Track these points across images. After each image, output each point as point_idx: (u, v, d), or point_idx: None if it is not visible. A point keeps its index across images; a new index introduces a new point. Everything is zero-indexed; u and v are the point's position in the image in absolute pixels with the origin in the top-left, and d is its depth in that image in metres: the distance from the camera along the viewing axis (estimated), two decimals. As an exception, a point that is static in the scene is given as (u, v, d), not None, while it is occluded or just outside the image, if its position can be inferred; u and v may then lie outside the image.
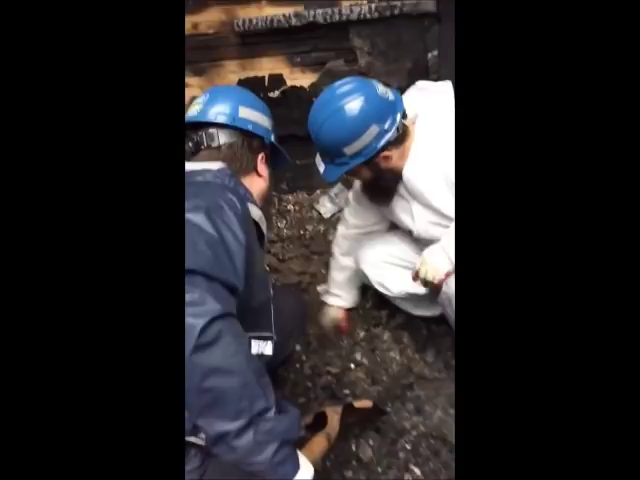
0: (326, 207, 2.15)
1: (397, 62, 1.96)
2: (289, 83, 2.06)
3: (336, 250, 1.65)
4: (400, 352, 1.57)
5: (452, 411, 1.34)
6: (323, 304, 1.69)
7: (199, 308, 0.72)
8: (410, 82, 1.93)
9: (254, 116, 1.11)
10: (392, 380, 1.48)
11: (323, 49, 2.00)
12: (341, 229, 1.63)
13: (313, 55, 2.02)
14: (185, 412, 0.74)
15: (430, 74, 1.95)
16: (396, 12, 1.86)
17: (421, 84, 1.37)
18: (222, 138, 1.07)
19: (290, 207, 2.23)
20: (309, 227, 2.11)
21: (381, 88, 1.23)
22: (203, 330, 0.71)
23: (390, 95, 1.24)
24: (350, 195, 1.57)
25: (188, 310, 0.71)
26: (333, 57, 2.01)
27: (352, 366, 1.55)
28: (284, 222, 2.17)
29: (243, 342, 0.80)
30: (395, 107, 1.23)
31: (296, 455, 0.82)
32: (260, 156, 1.12)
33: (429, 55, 1.93)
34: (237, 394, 0.73)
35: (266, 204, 1.16)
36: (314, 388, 1.49)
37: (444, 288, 1.26)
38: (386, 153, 1.25)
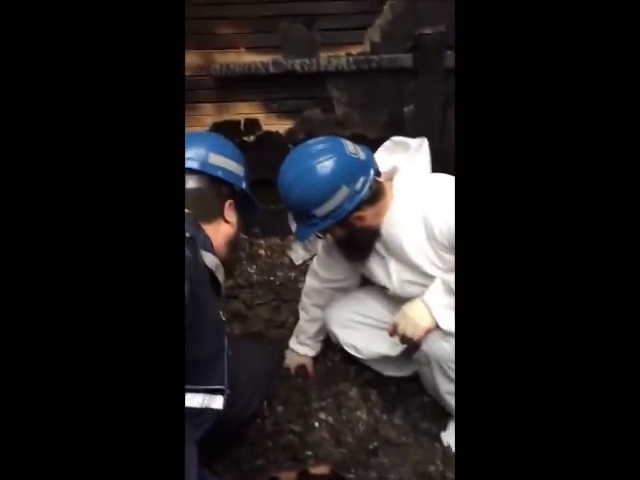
0: (298, 254, 2.10)
1: (373, 114, 1.99)
2: (265, 128, 2.06)
3: (306, 301, 1.59)
4: (367, 411, 1.48)
5: (414, 480, 1.25)
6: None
7: None
8: (386, 134, 1.98)
9: (225, 163, 1.10)
10: (357, 442, 1.38)
11: (300, 97, 2.02)
12: (310, 281, 1.58)
13: (290, 102, 2.03)
14: None
15: (406, 127, 1.98)
16: (374, 66, 1.90)
17: (397, 139, 1.36)
18: (190, 183, 1.06)
19: (261, 252, 2.18)
20: (280, 273, 2.05)
21: (351, 147, 1.20)
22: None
23: (361, 154, 1.21)
24: (320, 246, 1.54)
25: None
26: (310, 105, 2.02)
27: (316, 425, 1.46)
28: (254, 267, 2.10)
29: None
30: (367, 166, 1.20)
31: None
32: (228, 202, 1.09)
33: (405, 109, 1.97)
34: None
35: (233, 250, 1.13)
36: (274, 448, 1.39)
37: (423, 346, 1.20)
38: (359, 213, 1.21)
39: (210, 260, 1.01)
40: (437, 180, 1.24)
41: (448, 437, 1.34)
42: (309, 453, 1.37)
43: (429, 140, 1.30)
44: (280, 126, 2.07)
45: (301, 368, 1.59)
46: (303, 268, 2.06)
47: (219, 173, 1.07)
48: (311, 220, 1.21)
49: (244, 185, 1.13)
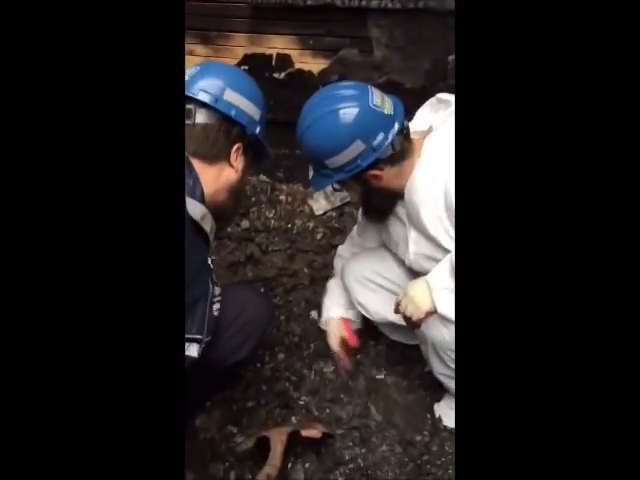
0: (319, 203, 2.03)
1: (415, 60, 1.83)
2: (297, 66, 1.94)
3: (336, 270, 1.51)
4: (365, 369, 1.46)
5: (399, 449, 1.23)
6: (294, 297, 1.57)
7: None
8: (426, 84, 1.84)
9: (240, 102, 1.01)
10: (349, 399, 1.37)
11: (338, 35, 1.87)
12: (345, 245, 1.50)
13: (326, 40, 1.88)
14: None
15: (449, 78, 1.82)
16: (420, 5, 1.72)
17: (442, 96, 1.21)
18: (199, 117, 0.98)
19: (282, 197, 2.12)
20: (298, 222, 2.00)
21: (377, 98, 1.08)
22: None
23: (387, 107, 1.09)
24: (360, 211, 1.43)
25: None
26: (347, 45, 1.88)
27: (312, 376, 1.45)
28: (273, 212, 2.05)
29: None
30: (390, 122, 1.08)
31: None
32: (236, 146, 1.02)
33: (450, 58, 1.81)
34: None
35: (233, 198, 1.07)
36: (268, 393, 1.39)
37: (422, 327, 1.14)
38: (375, 172, 1.11)
39: (195, 209, 0.94)
40: None
41: (441, 409, 1.31)
42: (302, 401, 1.37)
43: None
44: (314, 65, 1.93)
45: (343, 341, 1.44)
46: (322, 219, 2.00)
47: (232, 112, 1.00)
48: (324, 170, 1.13)
49: (258, 130, 1.05)
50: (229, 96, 1.00)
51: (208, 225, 0.98)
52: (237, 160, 1.03)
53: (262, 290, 1.62)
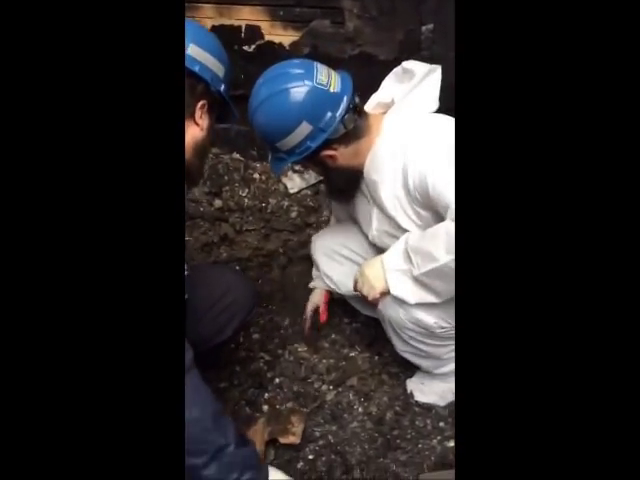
0: (294, 181, 2.00)
1: (388, 32, 1.78)
2: (267, 38, 1.87)
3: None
4: (339, 347, 1.46)
5: (369, 425, 1.24)
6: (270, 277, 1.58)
7: None
8: (399, 56, 1.79)
9: (205, 58, 0.98)
10: (318, 377, 1.37)
11: (309, 5, 1.80)
12: (332, 219, 1.51)
13: (297, 10, 1.81)
14: None
15: (422, 49, 1.78)
16: (393, -26, 1.67)
17: (408, 65, 1.16)
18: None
19: (256, 176, 2.07)
20: (272, 201, 1.96)
21: (322, 76, 1.03)
22: None
23: (333, 84, 1.04)
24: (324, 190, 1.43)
25: None
26: (319, 16, 1.81)
27: (287, 355, 1.44)
28: (246, 191, 2.01)
29: (202, 391, 0.91)
30: (337, 100, 1.04)
31: (262, 475, 0.96)
32: (201, 103, 0.99)
33: (423, 28, 1.76)
34: (199, 438, 0.88)
35: (199, 157, 1.04)
36: (241, 373, 1.39)
37: (379, 306, 1.14)
38: (329, 152, 1.08)
39: None
40: (433, 122, 1.07)
41: (412, 385, 1.31)
42: (277, 381, 1.36)
43: (446, 68, 1.10)
44: (284, 37, 1.86)
45: (315, 311, 1.46)
46: (297, 197, 1.96)
47: (196, 68, 0.96)
48: (278, 153, 1.10)
49: (222, 88, 1.02)
50: (193, 51, 0.96)
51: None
52: (202, 118, 1.00)
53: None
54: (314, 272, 1.47)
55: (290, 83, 1.02)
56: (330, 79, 1.04)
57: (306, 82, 1.02)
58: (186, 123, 0.98)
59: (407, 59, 1.22)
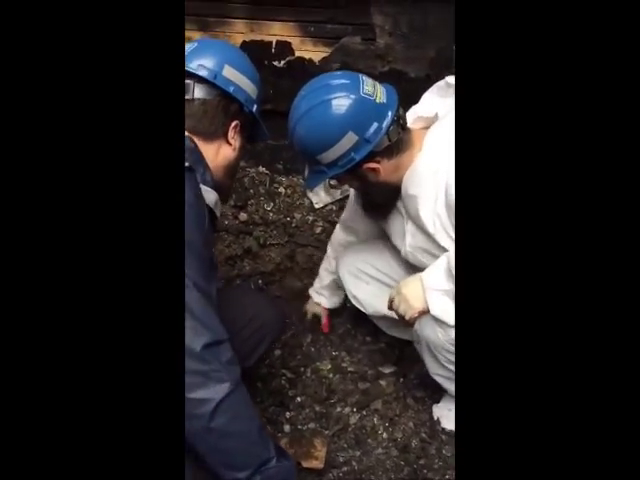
0: (319, 197, 1.98)
1: (419, 49, 1.77)
2: (298, 54, 1.88)
3: (329, 250, 1.49)
4: (366, 366, 1.43)
5: (395, 452, 1.20)
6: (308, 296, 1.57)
7: (219, 385, 0.82)
8: (430, 73, 1.78)
9: (239, 79, 1.00)
10: (343, 398, 1.33)
11: (340, 22, 1.81)
12: (337, 231, 1.47)
13: (328, 27, 1.82)
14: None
15: (453, 67, 1.76)
16: (426, -9, 1.66)
17: (451, 80, 1.14)
18: (197, 92, 0.97)
19: (281, 190, 2.07)
20: (297, 215, 1.95)
21: (368, 87, 1.03)
22: (221, 401, 0.81)
23: (379, 95, 1.03)
24: (351, 193, 1.39)
25: (209, 382, 0.81)
26: (350, 32, 1.81)
27: (309, 373, 1.42)
28: (271, 205, 2.00)
29: (250, 406, 0.90)
30: (384, 112, 1.02)
31: None
32: (234, 123, 1.01)
33: (455, 46, 1.74)
34: (245, 451, 0.87)
35: (230, 176, 1.06)
36: (263, 391, 1.36)
37: (416, 326, 1.10)
38: (372, 165, 1.06)
39: (210, 197, 0.94)
40: None
41: (439, 411, 1.27)
42: (299, 399, 1.34)
43: None
44: (314, 53, 1.87)
45: (315, 318, 1.50)
46: (322, 213, 1.95)
47: (231, 89, 0.98)
48: (317, 166, 1.08)
49: (254, 108, 1.03)
50: (228, 72, 0.98)
51: (219, 210, 0.99)
52: (234, 138, 1.01)
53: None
54: (318, 287, 1.47)
55: (336, 93, 1.02)
56: (376, 90, 1.03)
57: (352, 92, 1.01)
58: (219, 143, 1.00)
59: (438, 76, 1.21)
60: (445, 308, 1.02)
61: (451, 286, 1.01)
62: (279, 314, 1.30)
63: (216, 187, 1.00)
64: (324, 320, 1.49)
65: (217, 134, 0.99)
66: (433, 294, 1.03)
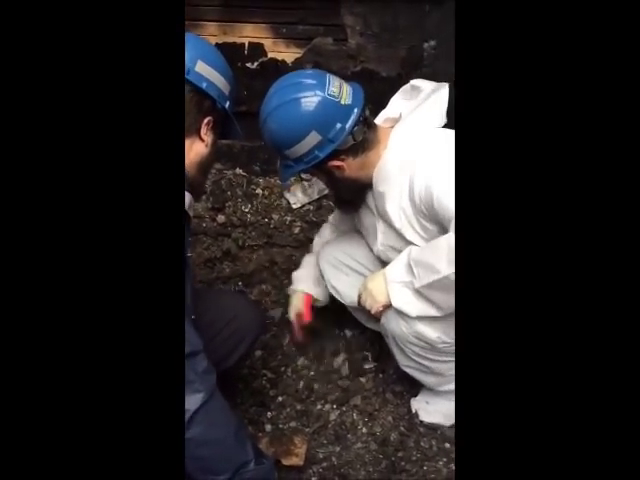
0: (297, 197, 1.99)
1: (390, 48, 1.80)
2: (270, 55, 1.89)
3: (314, 246, 1.49)
4: (349, 364, 1.44)
5: (374, 446, 1.21)
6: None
7: (193, 395, 0.84)
8: (401, 72, 1.80)
9: (212, 75, 0.99)
10: (322, 397, 1.34)
11: (311, 23, 1.82)
12: (324, 229, 1.48)
13: (300, 28, 1.83)
14: None
15: (424, 66, 1.79)
16: (395, -9, 1.68)
17: (416, 82, 1.17)
18: None
19: (259, 191, 2.07)
20: (275, 216, 1.96)
21: (334, 87, 1.04)
22: (195, 412, 0.83)
23: (344, 96, 1.05)
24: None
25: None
26: (321, 33, 1.83)
27: (289, 372, 1.42)
28: (249, 206, 2.01)
29: (225, 411, 0.91)
30: (348, 112, 1.04)
31: None
32: (207, 119, 1.00)
33: (426, 44, 1.77)
34: (222, 457, 0.89)
35: (201, 173, 1.05)
36: (244, 391, 1.37)
37: (382, 320, 1.12)
38: (337, 163, 1.08)
39: (186, 200, 0.93)
40: (439, 136, 1.07)
41: (417, 404, 1.29)
42: (280, 399, 1.35)
43: (450, 84, 1.11)
44: (287, 54, 1.88)
45: (297, 311, 1.44)
46: (299, 213, 1.96)
47: (204, 85, 0.97)
48: (286, 161, 1.11)
49: (227, 104, 1.02)
50: (201, 68, 0.97)
51: (192, 211, 0.98)
52: (207, 134, 1.01)
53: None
54: (297, 274, 1.44)
55: (302, 93, 1.03)
56: (342, 91, 1.05)
57: (317, 92, 1.03)
58: (191, 139, 0.99)
59: (409, 75, 1.23)
60: (406, 300, 1.05)
61: (410, 278, 1.03)
62: (259, 314, 1.30)
63: (189, 183, 1.00)
64: (305, 310, 1.43)
65: (190, 130, 0.98)
66: (394, 286, 1.06)
